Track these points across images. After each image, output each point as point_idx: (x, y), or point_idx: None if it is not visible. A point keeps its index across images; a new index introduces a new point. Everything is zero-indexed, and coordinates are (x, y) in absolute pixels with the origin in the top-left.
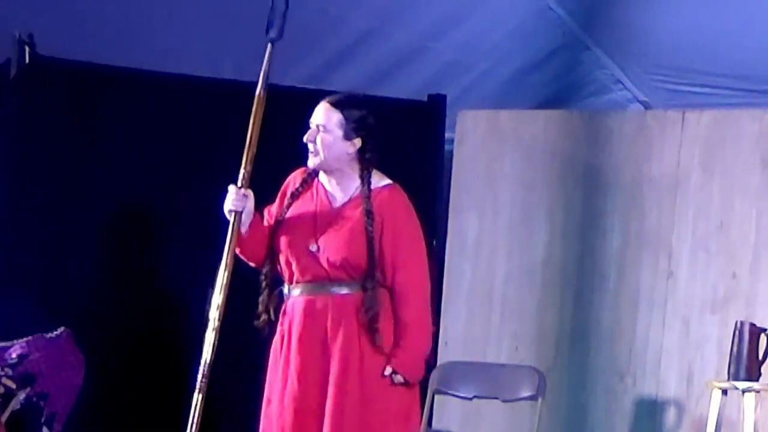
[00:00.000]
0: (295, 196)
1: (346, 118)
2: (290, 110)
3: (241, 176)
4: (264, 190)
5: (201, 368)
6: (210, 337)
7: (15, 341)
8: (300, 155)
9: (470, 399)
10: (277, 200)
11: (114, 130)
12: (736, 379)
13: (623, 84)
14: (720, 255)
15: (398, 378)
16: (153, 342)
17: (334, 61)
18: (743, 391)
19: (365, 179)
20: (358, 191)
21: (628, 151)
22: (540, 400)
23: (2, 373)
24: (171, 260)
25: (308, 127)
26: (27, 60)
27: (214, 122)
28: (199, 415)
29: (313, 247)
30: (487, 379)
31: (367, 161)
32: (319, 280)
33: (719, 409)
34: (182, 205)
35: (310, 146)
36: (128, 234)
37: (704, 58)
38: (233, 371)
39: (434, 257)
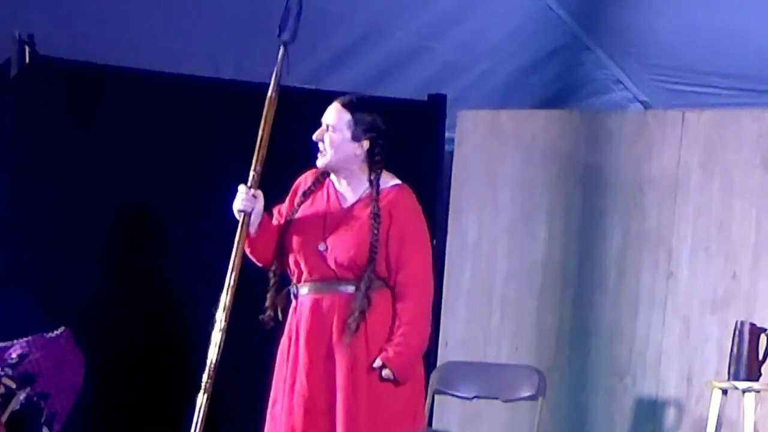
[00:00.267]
0: (307, 195)
1: (355, 119)
2: (290, 110)
3: (251, 177)
4: (262, 189)
5: (206, 369)
6: (216, 338)
7: (15, 341)
8: (298, 155)
9: (470, 399)
10: (288, 199)
11: (114, 130)
12: (736, 379)
13: (623, 84)
14: (720, 255)
15: (387, 372)
16: (153, 342)
17: (334, 61)
18: (743, 391)
19: (374, 181)
20: (368, 192)
21: (628, 151)
22: (540, 400)
23: (2, 373)
24: (171, 260)
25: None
26: (27, 60)
27: (214, 122)
28: (203, 416)
29: (321, 247)
30: (487, 379)
31: (376, 163)
32: (326, 280)
33: (719, 409)
34: (182, 205)
35: (320, 145)
36: (128, 234)
37: (704, 58)
38: (236, 372)
39: (434, 257)
